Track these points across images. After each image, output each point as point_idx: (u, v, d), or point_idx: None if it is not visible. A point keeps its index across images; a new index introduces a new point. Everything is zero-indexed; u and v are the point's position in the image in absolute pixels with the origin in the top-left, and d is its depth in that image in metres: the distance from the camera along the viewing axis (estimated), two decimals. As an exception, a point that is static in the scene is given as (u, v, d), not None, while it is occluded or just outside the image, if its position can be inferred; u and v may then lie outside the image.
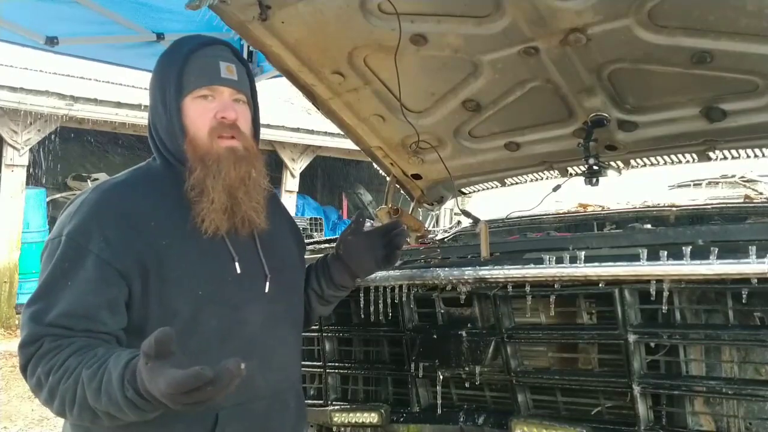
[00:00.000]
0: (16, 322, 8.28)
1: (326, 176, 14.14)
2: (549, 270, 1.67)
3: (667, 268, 1.50)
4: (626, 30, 2.23)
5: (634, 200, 3.17)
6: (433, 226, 5.53)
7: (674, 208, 2.84)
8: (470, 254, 1.98)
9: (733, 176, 3.27)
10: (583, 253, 1.62)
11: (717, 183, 3.32)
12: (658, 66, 2.39)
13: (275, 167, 11.48)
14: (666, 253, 1.50)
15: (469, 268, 1.81)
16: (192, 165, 1.55)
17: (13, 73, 8.16)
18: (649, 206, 2.97)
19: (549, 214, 3.16)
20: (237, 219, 1.56)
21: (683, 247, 1.48)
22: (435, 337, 1.92)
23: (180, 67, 1.58)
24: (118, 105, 8.54)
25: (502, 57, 2.50)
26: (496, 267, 1.77)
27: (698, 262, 1.46)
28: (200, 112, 1.57)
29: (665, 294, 1.52)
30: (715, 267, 1.44)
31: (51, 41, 3.01)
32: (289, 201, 11.48)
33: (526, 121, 2.86)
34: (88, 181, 10.62)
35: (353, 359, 2.22)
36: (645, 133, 2.70)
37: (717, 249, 1.45)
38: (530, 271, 1.70)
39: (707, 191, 3.29)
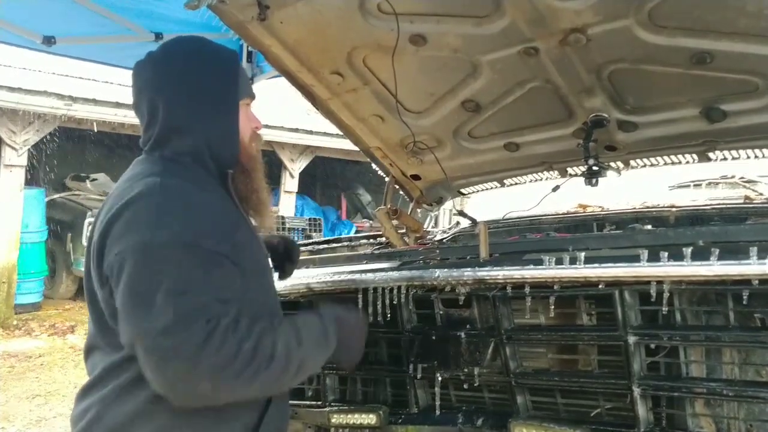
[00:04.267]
0: (15, 322, 8.25)
1: (325, 177, 14.14)
2: (548, 271, 1.66)
3: (667, 269, 1.49)
4: (626, 30, 2.23)
5: (634, 201, 3.15)
6: (432, 227, 5.52)
7: (674, 209, 2.83)
8: (469, 255, 1.97)
9: (733, 177, 3.26)
10: (583, 254, 1.61)
11: (717, 184, 3.31)
12: (658, 66, 2.38)
13: (274, 168, 11.47)
14: (666, 254, 1.49)
15: (468, 269, 1.80)
16: (245, 169, 1.65)
17: (12, 73, 8.13)
18: (649, 207, 2.96)
19: (548, 215, 3.15)
20: (269, 219, 1.73)
21: (684, 248, 1.47)
22: (434, 338, 1.91)
23: (236, 71, 1.66)
24: (117, 105, 8.51)
25: (502, 57, 2.49)
26: (495, 268, 1.76)
27: (699, 263, 1.46)
28: (246, 119, 1.67)
29: (665, 295, 1.51)
30: (715, 268, 1.43)
31: (48, 41, 2.98)
32: (288, 201, 11.48)
33: (525, 122, 2.85)
34: (87, 181, 10.62)
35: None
36: (645, 133, 2.69)
37: (718, 250, 1.43)
38: (529, 272, 1.69)
39: (707, 192, 3.28)
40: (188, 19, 2.84)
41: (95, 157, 11.39)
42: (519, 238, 2.39)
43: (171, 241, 1.40)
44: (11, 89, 7.87)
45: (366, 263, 2.20)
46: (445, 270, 1.84)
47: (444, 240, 3.40)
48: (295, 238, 9.81)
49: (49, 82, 8.28)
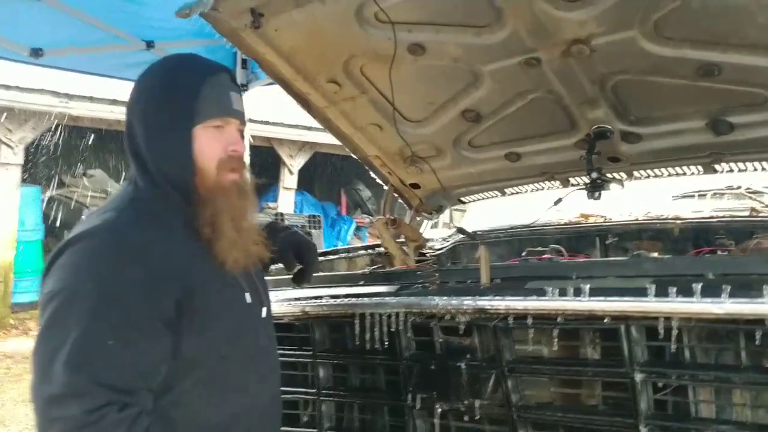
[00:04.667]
0: (12, 321, 8.21)
1: (325, 172, 14.04)
2: (552, 303, 1.59)
3: (676, 305, 1.42)
4: (631, 41, 2.17)
5: (637, 210, 3.08)
6: (433, 224, 5.46)
7: (678, 221, 2.77)
8: (470, 279, 1.90)
9: (739, 187, 3.18)
10: (587, 285, 1.54)
11: (722, 194, 3.23)
12: (664, 78, 2.32)
13: (273, 164, 11.40)
14: (675, 289, 1.42)
15: (468, 297, 1.73)
16: (202, 199, 1.51)
17: (7, 70, 8.05)
18: (652, 218, 2.89)
19: (550, 225, 3.09)
20: (247, 254, 1.56)
21: (693, 284, 1.40)
22: (433, 367, 1.84)
23: (195, 93, 1.51)
24: (114, 102, 8.43)
25: (503, 67, 2.44)
26: (496, 298, 1.69)
27: (709, 300, 1.38)
28: (212, 144, 1.53)
29: (674, 332, 1.44)
30: (727, 306, 1.36)
31: (35, 53, 2.89)
32: (287, 198, 11.42)
33: (527, 132, 2.79)
34: (83, 178, 10.55)
35: (348, 387, 2.14)
36: (649, 145, 2.63)
37: (729, 287, 1.37)
38: (532, 303, 1.62)
39: (712, 202, 3.21)
40: (180, 26, 2.76)
41: (92, 154, 11.29)
42: (521, 262, 2.32)
43: (93, 296, 1.33)
44: (7, 87, 7.83)
45: (363, 284, 2.13)
46: (445, 298, 1.77)
47: (443, 249, 3.35)
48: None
49: (45, 80, 8.18)
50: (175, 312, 1.39)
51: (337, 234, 12.29)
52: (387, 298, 1.89)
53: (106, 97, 8.45)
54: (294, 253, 1.87)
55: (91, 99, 8.43)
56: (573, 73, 2.37)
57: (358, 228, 12.73)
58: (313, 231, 10.81)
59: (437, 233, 3.70)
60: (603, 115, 2.53)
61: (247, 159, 1.71)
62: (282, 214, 10.79)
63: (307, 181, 13.16)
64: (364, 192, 13.59)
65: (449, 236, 3.46)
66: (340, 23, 2.36)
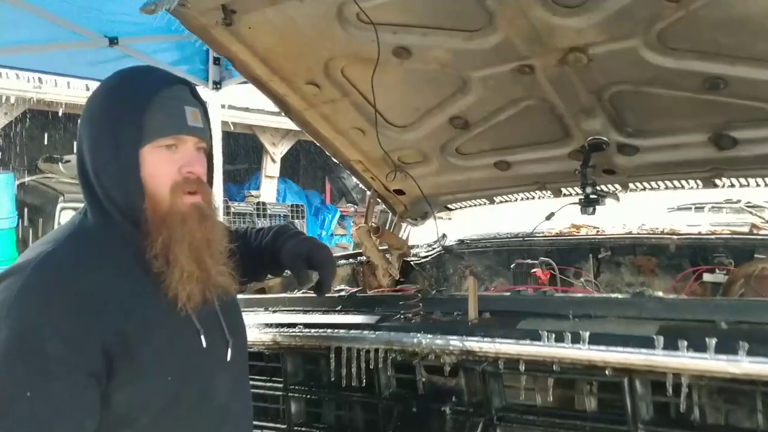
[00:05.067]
0: (-16, 312, 7.98)
1: (308, 160, 13.84)
2: (547, 349, 1.44)
3: (687, 361, 1.28)
4: (632, 51, 2.05)
5: (631, 222, 2.95)
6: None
7: (675, 236, 2.64)
8: (456, 311, 1.74)
9: (738, 201, 3.05)
10: (587, 332, 1.39)
11: (720, 208, 3.10)
12: (666, 90, 2.20)
13: (255, 151, 11.19)
14: (686, 343, 1.28)
15: (455, 337, 1.57)
16: (153, 228, 1.33)
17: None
18: (647, 231, 2.76)
19: (539, 236, 2.94)
20: (207, 287, 1.38)
21: (706, 338, 1.26)
22: (414, 409, 1.69)
23: (141, 110, 1.34)
24: (87, 88, 8.16)
25: (494, 74, 2.32)
26: (485, 339, 1.53)
27: (725, 357, 1.24)
28: (163, 165, 1.35)
29: (684, 390, 1.30)
30: (745, 366, 1.22)
31: (-17, 53, 2.65)
32: (270, 186, 11.22)
33: (518, 141, 2.67)
34: (60, 163, 10.25)
35: (322, 423, 1.98)
36: (647, 158, 2.51)
37: (746, 343, 1.22)
38: (525, 348, 1.47)
39: (709, 216, 3.08)
40: (147, 21, 2.55)
41: (68, 139, 10.98)
42: (512, 293, 2.17)
43: (10, 342, 1.17)
44: (-25, 71, 7.53)
45: (341, 310, 1.97)
46: (429, 336, 1.61)
47: (428, 257, 3.20)
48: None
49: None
50: (104, 362, 1.23)
51: (321, 223, 12.11)
52: (366, 332, 1.73)
53: (79, 82, 8.18)
54: (305, 263, 1.73)
55: (65, 84, 8.15)
56: (569, 82, 2.25)
57: (342, 217, 12.56)
58: (296, 221, 10.64)
59: (422, 229, 3.49)
60: (599, 125, 2.41)
61: (219, 160, 1.51)
62: (264, 204, 10.60)
63: (290, 169, 12.97)
64: (349, 180, 13.40)
65: (434, 243, 3.30)
66: (319, 23, 2.21)
